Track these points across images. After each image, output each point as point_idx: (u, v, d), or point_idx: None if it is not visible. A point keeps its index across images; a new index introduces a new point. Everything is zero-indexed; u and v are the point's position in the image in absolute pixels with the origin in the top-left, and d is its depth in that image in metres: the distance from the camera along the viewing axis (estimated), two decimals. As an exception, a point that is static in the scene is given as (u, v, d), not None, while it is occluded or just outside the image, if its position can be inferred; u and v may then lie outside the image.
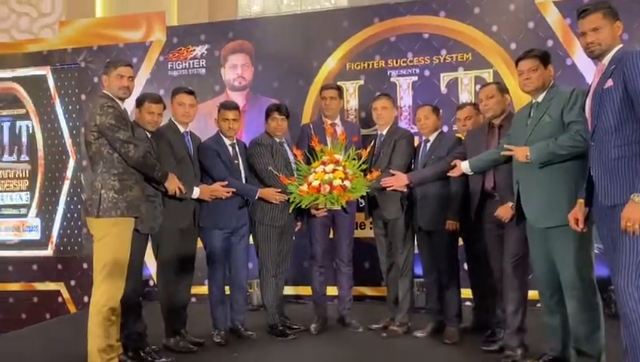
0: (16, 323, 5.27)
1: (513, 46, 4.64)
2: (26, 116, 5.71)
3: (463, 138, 3.68)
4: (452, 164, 3.28)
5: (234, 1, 6.80)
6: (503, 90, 3.39)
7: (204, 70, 5.34)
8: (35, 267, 5.60)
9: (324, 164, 3.51)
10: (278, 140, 3.82)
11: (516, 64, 2.95)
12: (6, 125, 5.73)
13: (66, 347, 3.64)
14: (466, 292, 3.79)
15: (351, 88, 5.01)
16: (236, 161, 3.72)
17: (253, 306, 4.66)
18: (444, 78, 4.83)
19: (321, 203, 3.45)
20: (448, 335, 3.56)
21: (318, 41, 5.10)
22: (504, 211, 3.10)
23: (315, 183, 3.43)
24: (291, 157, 3.80)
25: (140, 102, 3.41)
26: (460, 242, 3.68)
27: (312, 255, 3.91)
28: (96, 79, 5.44)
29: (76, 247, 5.48)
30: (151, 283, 4.94)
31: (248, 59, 5.26)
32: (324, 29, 5.13)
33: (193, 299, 3.67)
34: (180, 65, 5.39)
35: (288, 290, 4.52)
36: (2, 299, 5.45)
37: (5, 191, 5.63)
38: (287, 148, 3.85)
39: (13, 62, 5.76)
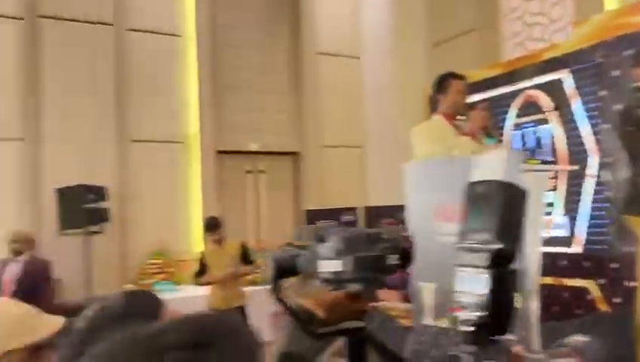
0: (550, 314, 5.62)
1: None
2: (545, 120, 6.04)
3: None
4: None
5: None
6: None
7: None
8: (563, 263, 5.83)
9: None
10: None
11: None
12: (529, 131, 6.24)
13: None
14: None
15: None
16: None
17: None
18: None
19: None
20: None
21: None
22: None
23: None
24: None
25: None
26: None
27: None
28: (614, 72, 5.23)
29: (605, 246, 5.41)
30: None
31: None
32: None
33: None
34: None
35: None
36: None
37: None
38: None
39: (531, 71, 6.21)
